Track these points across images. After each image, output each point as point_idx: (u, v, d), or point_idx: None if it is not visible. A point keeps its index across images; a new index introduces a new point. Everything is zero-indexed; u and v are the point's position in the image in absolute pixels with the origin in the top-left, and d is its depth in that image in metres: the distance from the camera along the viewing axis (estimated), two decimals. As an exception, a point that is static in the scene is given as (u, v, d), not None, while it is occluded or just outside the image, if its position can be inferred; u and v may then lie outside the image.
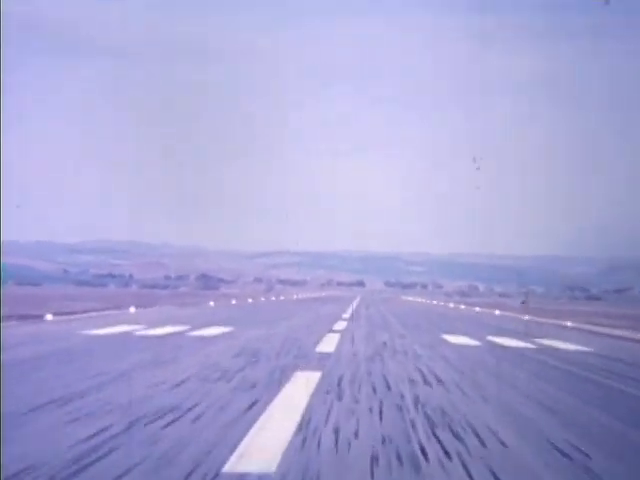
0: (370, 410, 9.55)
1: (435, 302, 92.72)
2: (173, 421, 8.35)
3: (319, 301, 78.22)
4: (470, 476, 6.58)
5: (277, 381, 12.00)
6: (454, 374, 14.04)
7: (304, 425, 8.36)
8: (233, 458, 6.75)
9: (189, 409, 9.11)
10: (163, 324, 26.61)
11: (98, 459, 6.65)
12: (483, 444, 7.84)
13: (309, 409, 9.38)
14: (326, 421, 8.68)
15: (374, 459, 6.96)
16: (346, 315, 41.11)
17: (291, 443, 7.43)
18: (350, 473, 6.48)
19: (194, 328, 24.82)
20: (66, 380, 11.34)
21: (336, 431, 8.15)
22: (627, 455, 7.81)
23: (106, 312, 36.21)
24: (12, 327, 23.76)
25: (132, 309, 39.77)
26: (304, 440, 7.62)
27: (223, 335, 22.54)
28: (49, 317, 29.47)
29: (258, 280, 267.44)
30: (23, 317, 28.50)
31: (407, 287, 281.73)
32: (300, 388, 11.30)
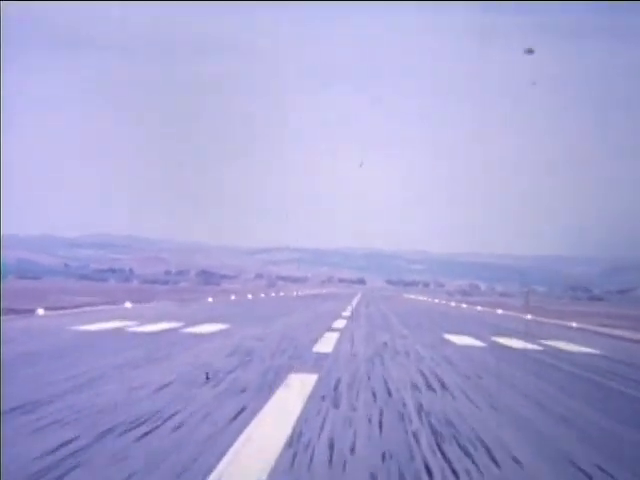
0: (369, 420, 8.70)
1: (437, 301, 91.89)
2: (149, 432, 7.50)
3: (319, 298, 77.36)
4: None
5: (269, 385, 11.15)
6: (459, 378, 13.19)
7: (295, 438, 7.51)
8: (211, 479, 5.92)
9: (169, 417, 8.25)
10: (157, 320, 25.76)
11: None
12: (495, 462, 7.00)
13: (302, 418, 8.54)
14: (320, 433, 7.84)
15: (373, 480, 6.13)
16: (346, 313, 40.24)
17: (279, 460, 6.59)
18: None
19: (188, 325, 23.98)
20: (40, 382, 10.48)
21: (331, 445, 7.31)
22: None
23: (101, 307, 35.39)
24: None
25: (128, 304, 38.92)
26: (294, 456, 6.78)
27: (218, 333, 21.70)
28: (40, 312, 28.64)
29: (259, 276, 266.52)
30: (14, 312, 27.69)
31: (409, 285, 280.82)
32: (293, 393, 10.45)
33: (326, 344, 19.14)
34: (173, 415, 8.42)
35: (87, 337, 18.46)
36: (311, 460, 6.68)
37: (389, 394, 10.81)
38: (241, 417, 8.48)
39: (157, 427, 7.76)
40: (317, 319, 32.63)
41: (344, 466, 6.57)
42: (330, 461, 6.70)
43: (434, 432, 8.20)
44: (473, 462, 6.94)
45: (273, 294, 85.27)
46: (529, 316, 46.78)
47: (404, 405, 9.89)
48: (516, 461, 7.12)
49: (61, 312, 29.94)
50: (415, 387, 11.70)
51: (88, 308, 33.84)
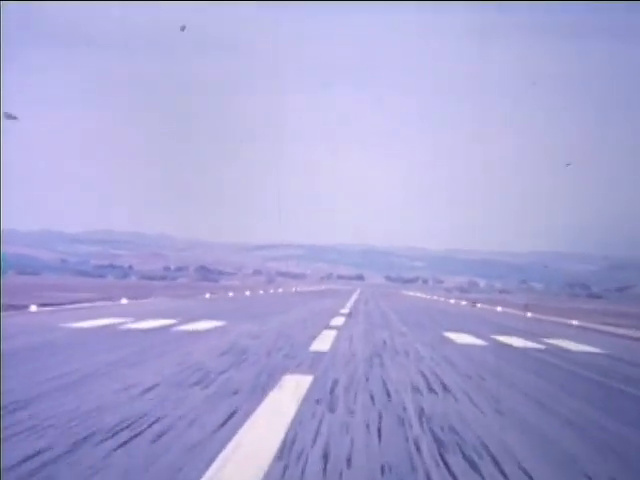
0: (367, 426, 8.16)
1: (436, 297, 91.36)
2: (129, 439, 6.96)
3: (318, 294, 76.83)
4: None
5: (263, 386, 10.61)
6: (461, 380, 12.66)
7: (287, 447, 6.97)
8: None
9: (152, 423, 7.71)
10: (151, 317, 25.23)
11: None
12: (503, 474, 6.47)
13: (295, 424, 8.00)
14: (314, 441, 7.30)
15: (370, 496, 5.59)
16: (344, 310, 39.70)
17: (268, 474, 6.05)
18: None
19: (183, 322, 23.45)
20: (20, 383, 9.93)
21: (325, 455, 6.77)
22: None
23: (96, 303, 34.86)
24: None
25: (124, 300, 38.42)
26: (284, 469, 6.24)
27: (212, 330, 21.17)
28: (33, 308, 28.13)
29: (258, 272, 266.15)
30: (5, 308, 27.17)
31: (408, 282, 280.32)
32: (287, 396, 9.91)
33: (323, 342, 18.61)
34: (159, 419, 7.87)
35: (77, 335, 17.93)
36: (303, 473, 6.15)
37: (388, 397, 10.28)
38: (231, 422, 7.94)
39: (140, 433, 7.22)
40: (315, 316, 32.10)
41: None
42: (324, 474, 6.17)
43: (436, 439, 7.67)
44: (480, 475, 6.41)
45: (272, 290, 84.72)
46: (529, 314, 46.30)
47: (404, 409, 9.35)
48: (526, 473, 6.59)
49: (54, 308, 29.41)
50: (415, 389, 11.16)
51: (83, 304, 33.33)
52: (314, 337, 20.10)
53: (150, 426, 7.54)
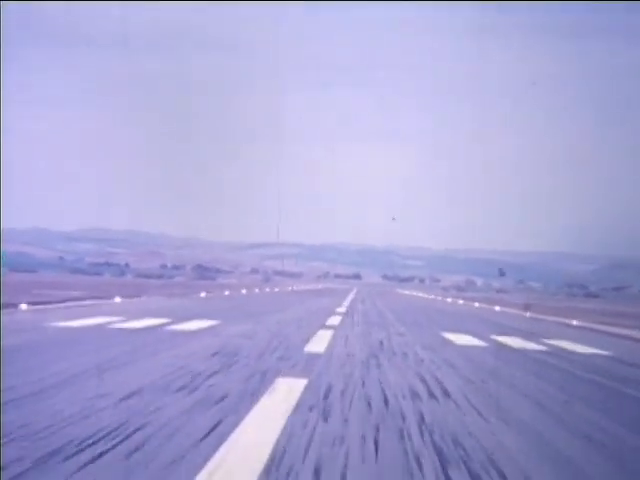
0: (363, 438, 7.52)
1: (433, 296, 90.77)
2: (98, 456, 6.29)
3: (314, 293, 76.18)
4: None
5: (252, 392, 9.97)
6: (463, 384, 12.03)
7: (275, 462, 6.34)
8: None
9: (128, 435, 7.05)
10: (143, 316, 24.60)
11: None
12: (513, 494, 5.85)
13: (285, 434, 7.36)
14: (305, 454, 6.66)
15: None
16: (341, 309, 39.08)
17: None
18: None
19: (175, 321, 22.82)
20: (-6, 387, 9.28)
21: (317, 472, 6.14)
22: None
23: (89, 302, 34.24)
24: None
25: (117, 299, 37.78)
26: (271, 490, 5.62)
27: (205, 330, 20.54)
28: (23, 306, 27.50)
29: (255, 271, 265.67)
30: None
31: (404, 281, 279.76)
32: (278, 402, 9.27)
33: (319, 343, 17.99)
34: (136, 431, 7.23)
35: (64, 334, 17.30)
36: (292, 493, 5.53)
37: (386, 404, 9.64)
38: (215, 433, 7.29)
39: (113, 447, 6.57)
40: (311, 315, 31.49)
41: (332, 501, 5.42)
42: (315, 495, 5.54)
43: (439, 453, 7.04)
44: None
45: (268, 289, 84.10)
46: (528, 313, 45.74)
47: (403, 418, 8.72)
48: (538, 493, 5.97)
49: (45, 307, 28.79)
50: (415, 395, 10.53)
51: (75, 303, 32.71)
52: (309, 337, 19.49)
53: (125, 439, 6.88)
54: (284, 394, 9.86)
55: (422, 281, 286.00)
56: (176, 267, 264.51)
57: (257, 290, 76.83)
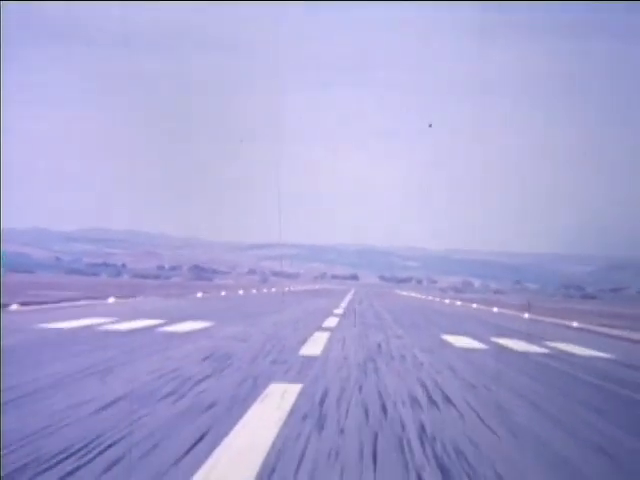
0: (360, 451, 6.98)
1: (430, 297, 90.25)
2: (73, 471, 5.76)
3: (312, 294, 75.62)
4: None
5: (244, 398, 9.43)
6: (464, 389, 11.49)
7: (264, 479, 5.80)
8: None
9: (105, 448, 6.50)
10: (136, 317, 24.05)
11: None
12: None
13: (276, 448, 6.82)
14: (296, 471, 6.13)
15: None
16: (338, 310, 38.52)
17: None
18: None
19: (169, 322, 22.28)
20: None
21: (309, 491, 5.61)
22: None
23: (82, 302, 33.70)
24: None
25: (111, 299, 37.24)
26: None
27: (198, 331, 20.00)
28: (14, 307, 26.97)
29: (252, 272, 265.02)
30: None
31: (402, 282, 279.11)
32: (271, 410, 8.73)
33: (315, 346, 17.45)
34: (114, 443, 6.69)
35: (51, 336, 16.76)
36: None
37: (384, 411, 9.11)
38: (200, 446, 6.75)
39: (89, 462, 6.03)
40: (307, 317, 30.96)
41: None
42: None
43: (442, 468, 6.51)
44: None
45: (265, 290, 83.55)
46: (526, 315, 45.24)
47: (403, 427, 8.18)
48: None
49: (37, 308, 28.27)
50: (415, 401, 9.99)
51: (68, 303, 32.18)
52: (305, 339, 18.96)
53: (101, 453, 6.33)
54: (277, 401, 9.32)
55: (419, 282, 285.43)
56: (173, 268, 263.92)
57: (254, 291, 76.29)
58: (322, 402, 9.48)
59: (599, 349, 21.74)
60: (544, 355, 18.86)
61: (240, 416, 8.22)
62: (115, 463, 6.07)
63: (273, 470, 6.10)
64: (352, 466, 6.42)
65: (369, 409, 9.18)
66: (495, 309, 55.82)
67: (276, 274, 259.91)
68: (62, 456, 6.20)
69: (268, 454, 6.56)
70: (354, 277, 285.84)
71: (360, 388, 10.93)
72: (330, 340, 19.37)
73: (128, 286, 69.45)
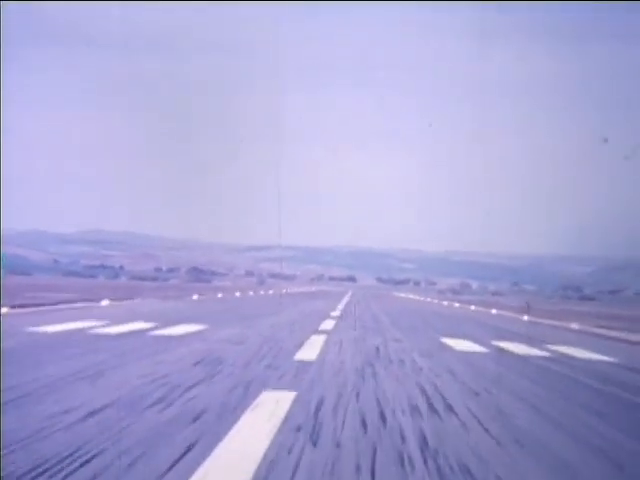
0: (357, 466, 6.48)
1: (428, 299, 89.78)
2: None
3: (308, 296, 75.12)
4: None
5: (234, 407, 8.93)
6: (467, 396, 10.99)
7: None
8: None
9: (81, 464, 5.99)
10: (129, 320, 23.56)
11: None
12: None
13: (265, 464, 6.32)
14: (288, 490, 5.63)
15: None
16: (335, 313, 38.02)
17: None
18: None
19: (162, 325, 21.78)
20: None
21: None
22: None
23: (76, 304, 33.24)
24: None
25: (105, 302, 36.76)
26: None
27: (192, 335, 19.50)
28: (4, 310, 26.48)
29: (250, 274, 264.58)
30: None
31: (399, 283, 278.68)
32: (262, 419, 8.23)
33: (311, 350, 16.95)
34: (92, 458, 6.18)
35: (40, 340, 16.27)
36: None
37: (383, 421, 8.61)
38: (183, 462, 6.24)
39: (61, 480, 5.53)
40: (304, 319, 30.48)
41: None
42: None
43: (445, 485, 6.02)
44: None
45: (262, 292, 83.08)
46: (525, 317, 44.80)
47: (403, 439, 7.68)
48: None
49: (29, 310, 27.78)
50: (415, 409, 9.49)
51: (61, 306, 31.70)
52: (301, 343, 18.47)
53: (76, 470, 5.82)
54: (269, 410, 8.82)
55: (417, 284, 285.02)
56: (171, 269, 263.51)
57: (251, 293, 75.84)
58: (317, 411, 8.98)
59: (602, 353, 21.27)
60: (547, 359, 18.38)
61: (229, 427, 7.72)
62: (96, 477, 5.57)
63: (262, 490, 5.60)
64: (348, 484, 5.92)
65: (366, 418, 8.68)
66: (494, 311, 55.39)
67: (273, 276, 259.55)
68: (36, 472, 5.69)
69: (257, 471, 6.06)
70: (351, 279, 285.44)
71: (357, 395, 10.43)
72: (327, 343, 18.89)
73: (125, 288, 69.01)
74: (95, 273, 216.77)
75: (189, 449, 6.68)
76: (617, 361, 19.19)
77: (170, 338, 18.21)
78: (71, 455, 6.28)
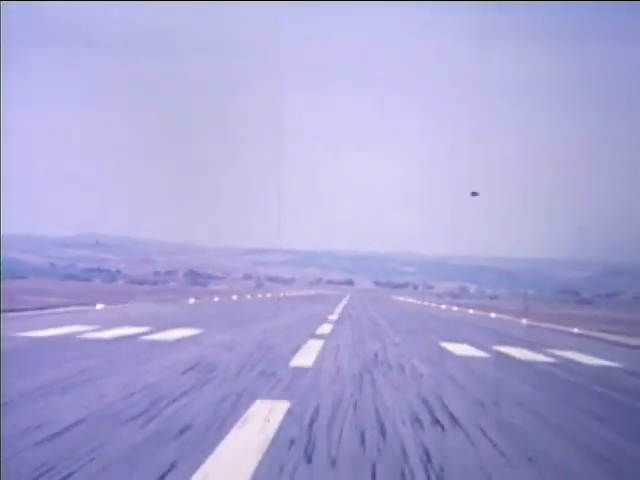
0: (354, 487, 5.91)
1: (427, 303, 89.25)
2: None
3: (306, 299, 74.56)
4: None
5: (223, 419, 8.35)
6: (471, 406, 10.41)
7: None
8: None
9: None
10: (121, 324, 23.00)
11: None
12: None
13: (255, 484, 5.75)
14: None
15: None
16: (332, 317, 37.45)
17: None
18: None
19: (155, 330, 21.21)
20: None
21: None
22: None
23: (69, 308, 32.67)
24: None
25: (99, 306, 36.17)
26: None
27: (184, 340, 18.92)
28: (-7, 314, 25.93)
29: (247, 277, 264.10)
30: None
31: (397, 287, 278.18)
32: (252, 434, 7.65)
33: (307, 355, 16.38)
34: (65, 478, 5.61)
35: (26, 345, 15.69)
36: None
37: (383, 434, 8.03)
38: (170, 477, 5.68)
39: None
40: (301, 323, 29.92)
41: None
42: None
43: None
44: None
45: (260, 295, 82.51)
46: (524, 320, 44.26)
47: (404, 454, 7.11)
48: None
49: (19, 314, 27.21)
50: (416, 421, 8.91)
51: (53, 310, 31.14)
52: (297, 348, 17.91)
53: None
54: (261, 422, 8.25)
55: (415, 288, 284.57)
56: (168, 273, 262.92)
57: (249, 296, 75.27)
58: (312, 423, 8.41)
59: (605, 358, 20.73)
60: (551, 365, 17.82)
61: (216, 442, 7.15)
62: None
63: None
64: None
65: (365, 431, 8.11)
66: (493, 315, 54.88)
67: (271, 279, 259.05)
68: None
69: (244, 494, 5.49)
70: (349, 282, 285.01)
71: (355, 405, 9.86)
72: (324, 349, 18.32)
73: (121, 292, 68.45)
74: (92, 276, 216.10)
75: (169, 470, 6.10)
76: (620, 366, 18.65)
77: (162, 343, 17.64)
78: (48, 471, 5.71)
